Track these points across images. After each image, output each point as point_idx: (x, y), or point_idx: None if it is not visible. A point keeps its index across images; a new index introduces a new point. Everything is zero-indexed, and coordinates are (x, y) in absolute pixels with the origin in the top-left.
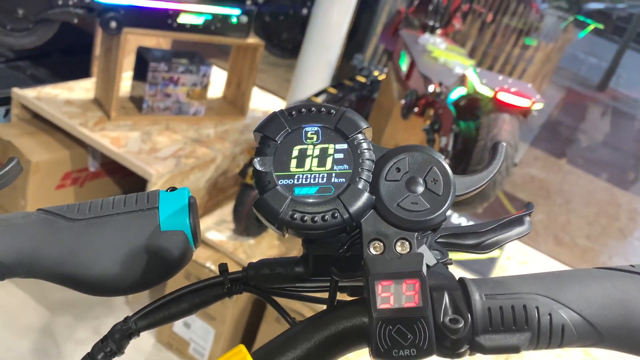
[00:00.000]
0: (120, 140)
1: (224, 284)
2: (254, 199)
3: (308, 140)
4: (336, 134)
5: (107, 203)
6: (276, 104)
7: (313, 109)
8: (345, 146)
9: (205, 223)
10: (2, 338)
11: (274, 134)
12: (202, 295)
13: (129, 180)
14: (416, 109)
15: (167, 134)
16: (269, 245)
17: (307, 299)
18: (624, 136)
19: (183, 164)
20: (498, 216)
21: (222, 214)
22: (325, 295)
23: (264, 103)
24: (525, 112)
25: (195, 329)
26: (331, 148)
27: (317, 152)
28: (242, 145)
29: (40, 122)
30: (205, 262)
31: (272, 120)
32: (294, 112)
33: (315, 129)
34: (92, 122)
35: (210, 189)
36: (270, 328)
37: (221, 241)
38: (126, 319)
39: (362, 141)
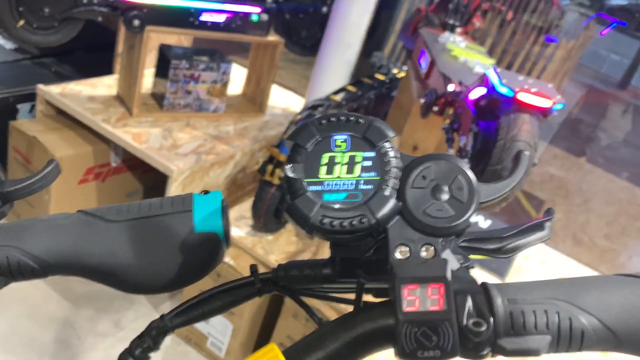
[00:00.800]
0: (141, 136)
1: (255, 284)
2: (272, 196)
3: (337, 148)
4: (364, 142)
5: (144, 205)
6: (295, 101)
7: (342, 118)
8: (373, 154)
9: None
10: (26, 329)
11: (305, 142)
12: (233, 295)
13: (150, 176)
14: (435, 108)
15: (187, 130)
16: (287, 241)
17: (334, 300)
18: None
19: (203, 160)
20: (515, 214)
21: (241, 210)
22: (351, 296)
23: (283, 100)
24: (545, 113)
25: (213, 323)
26: (359, 156)
27: (345, 159)
28: (261, 142)
29: (64, 118)
30: (224, 257)
31: (304, 129)
32: (324, 121)
33: (344, 137)
34: (115, 118)
35: (229, 185)
36: (287, 323)
37: (240, 237)
38: (162, 316)
39: (389, 149)
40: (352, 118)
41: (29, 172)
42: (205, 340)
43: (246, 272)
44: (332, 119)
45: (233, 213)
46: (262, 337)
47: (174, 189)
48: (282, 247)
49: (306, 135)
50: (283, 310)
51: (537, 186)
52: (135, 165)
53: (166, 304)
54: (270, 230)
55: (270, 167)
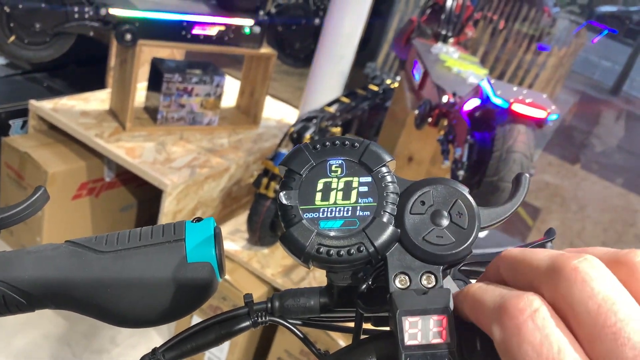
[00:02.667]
0: (135, 150)
1: (250, 315)
2: (268, 209)
3: (332, 174)
4: (360, 167)
5: (134, 235)
6: (289, 113)
7: (337, 142)
8: (369, 179)
9: None
10: (21, 347)
11: (299, 168)
12: (228, 326)
13: (144, 190)
14: (430, 119)
15: (181, 144)
16: (283, 255)
17: (332, 329)
18: (639, 140)
19: (197, 174)
20: (512, 222)
21: (236, 223)
22: (349, 324)
23: (276, 112)
24: (540, 123)
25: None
26: (355, 181)
27: (341, 185)
28: (256, 155)
29: (56, 133)
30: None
31: (297, 154)
32: (318, 146)
33: (340, 162)
34: (108, 133)
35: (224, 198)
36: (285, 338)
37: (235, 251)
38: (154, 350)
39: (386, 174)
40: (347, 142)
41: (22, 188)
42: (202, 356)
43: (242, 287)
44: (327, 143)
45: (228, 227)
46: (260, 353)
47: (168, 203)
48: (278, 260)
49: (300, 161)
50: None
51: (533, 194)
52: (129, 179)
53: None
54: (265, 243)
55: (265, 180)
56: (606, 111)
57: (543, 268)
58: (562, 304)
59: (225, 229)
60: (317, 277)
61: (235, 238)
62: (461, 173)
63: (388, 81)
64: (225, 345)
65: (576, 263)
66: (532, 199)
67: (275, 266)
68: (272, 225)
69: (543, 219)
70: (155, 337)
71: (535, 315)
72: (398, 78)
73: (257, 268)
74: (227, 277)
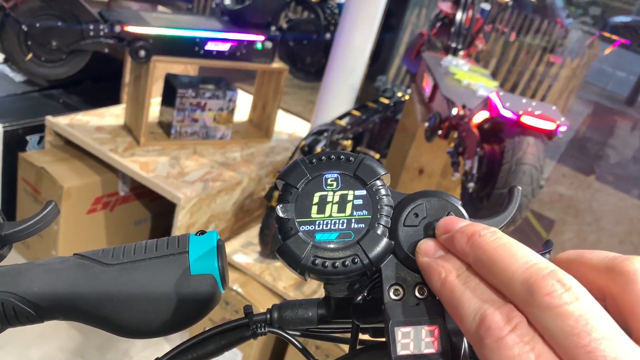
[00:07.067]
0: (149, 165)
1: (249, 326)
2: None
3: (328, 187)
4: (355, 180)
5: (139, 248)
6: (301, 126)
7: (332, 156)
8: (364, 192)
9: (231, 246)
10: (36, 359)
11: (296, 182)
12: (227, 337)
13: (158, 204)
14: (440, 132)
15: (194, 158)
16: None
17: (330, 339)
18: None
19: (210, 188)
20: (526, 237)
21: (249, 236)
22: (347, 335)
23: (288, 125)
24: (549, 135)
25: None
26: (350, 194)
27: (337, 198)
28: (268, 168)
29: (72, 148)
30: (232, 284)
31: (294, 168)
32: (314, 160)
33: (335, 175)
34: (122, 148)
35: (236, 211)
36: (296, 353)
37: (247, 264)
38: None
39: (381, 187)
40: (342, 157)
41: (38, 203)
42: None
43: (254, 300)
44: (323, 157)
45: (240, 240)
46: None
47: (181, 217)
48: (289, 273)
49: (297, 175)
50: None
51: (547, 205)
52: (143, 193)
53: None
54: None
55: (276, 194)
56: (621, 122)
57: (518, 283)
58: (536, 321)
59: (237, 242)
60: None
61: (247, 251)
62: (471, 185)
63: (399, 94)
64: (238, 358)
65: (550, 288)
66: (545, 210)
67: (287, 279)
68: None
69: (557, 231)
70: (168, 349)
71: (514, 331)
72: (409, 91)
73: (269, 281)
74: (239, 290)
